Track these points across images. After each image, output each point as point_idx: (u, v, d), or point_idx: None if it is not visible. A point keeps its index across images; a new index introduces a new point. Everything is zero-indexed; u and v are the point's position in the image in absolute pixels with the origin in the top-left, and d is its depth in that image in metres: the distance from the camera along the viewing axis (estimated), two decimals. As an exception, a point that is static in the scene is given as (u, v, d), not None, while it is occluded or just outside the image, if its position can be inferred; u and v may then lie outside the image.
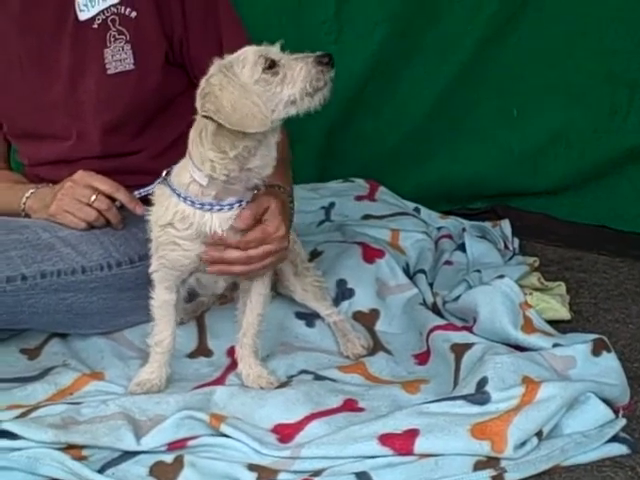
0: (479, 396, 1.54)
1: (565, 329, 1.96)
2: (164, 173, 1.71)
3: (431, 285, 2.17)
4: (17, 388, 1.77)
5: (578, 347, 1.70)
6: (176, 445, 1.53)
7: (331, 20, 2.75)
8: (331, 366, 1.85)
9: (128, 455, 1.52)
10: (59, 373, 1.82)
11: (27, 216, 1.97)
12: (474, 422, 1.48)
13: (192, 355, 1.93)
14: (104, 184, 1.88)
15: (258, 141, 1.57)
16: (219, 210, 1.63)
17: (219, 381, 1.80)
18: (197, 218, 1.63)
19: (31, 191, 1.97)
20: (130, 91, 1.96)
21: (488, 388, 1.55)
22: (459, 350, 1.75)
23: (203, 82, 1.55)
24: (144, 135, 2.02)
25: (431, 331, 1.88)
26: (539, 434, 1.49)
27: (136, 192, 1.87)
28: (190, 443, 1.54)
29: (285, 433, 1.57)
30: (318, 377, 1.79)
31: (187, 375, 1.84)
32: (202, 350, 1.95)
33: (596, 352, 1.69)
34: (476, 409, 1.52)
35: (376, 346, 1.96)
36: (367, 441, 1.48)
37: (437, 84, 2.79)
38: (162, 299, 1.74)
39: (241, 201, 1.64)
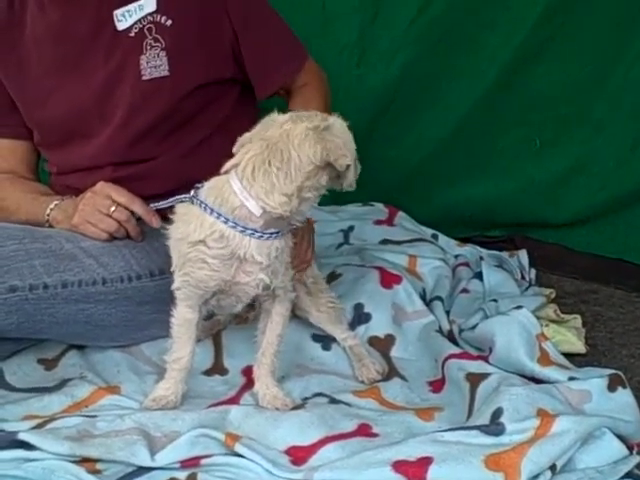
0: (494, 427, 1.54)
1: (580, 363, 1.96)
2: (192, 192, 1.72)
3: (447, 313, 2.17)
4: (34, 398, 1.79)
5: (594, 382, 1.70)
6: (190, 463, 1.54)
7: (354, 44, 2.77)
8: (346, 390, 1.85)
9: (142, 470, 1.53)
10: (76, 385, 1.83)
11: (51, 227, 1.99)
12: (488, 453, 1.48)
13: (208, 373, 1.94)
14: (121, 196, 1.91)
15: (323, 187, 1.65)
16: (259, 237, 1.65)
17: (234, 400, 1.81)
18: (236, 240, 1.65)
19: (55, 202, 2.01)
20: (164, 97, 1.99)
21: (503, 419, 1.55)
22: (474, 380, 1.75)
23: (321, 128, 1.61)
24: (170, 140, 2.04)
25: (446, 359, 1.89)
26: (553, 468, 1.48)
27: (152, 205, 1.90)
28: (204, 462, 1.54)
29: (299, 455, 1.57)
30: (333, 400, 1.80)
31: (202, 393, 1.84)
32: (218, 368, 1.96)
33: (612, 387, 1.69)
34: (490, 440, 1.52)
35: (391, 372, 1.96)
36: (380, 467, 1.48)
37: (460, 110, 2.79)
38: (183, 317, 1.75)
39: (279, 232, 1.67)
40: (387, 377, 1.93)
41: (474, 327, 1.96)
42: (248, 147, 1.66)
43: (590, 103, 2.68)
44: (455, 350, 1.91)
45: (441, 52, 2.74)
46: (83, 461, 1.53)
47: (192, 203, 1.71)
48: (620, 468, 1.53)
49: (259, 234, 1.65)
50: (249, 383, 1.85)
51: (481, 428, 1.55)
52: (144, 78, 1.98)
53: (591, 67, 2.64)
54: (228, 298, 1.75)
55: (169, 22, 1.98)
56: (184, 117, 2.04)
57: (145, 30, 1.98)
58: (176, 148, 2.05)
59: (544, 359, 1.80)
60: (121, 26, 2.00)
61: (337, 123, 1.65)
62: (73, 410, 1.75)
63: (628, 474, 1.53)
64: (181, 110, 2.02)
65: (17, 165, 2.18)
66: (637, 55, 2.57)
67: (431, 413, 1.74)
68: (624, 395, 1.68)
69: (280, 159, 1.61)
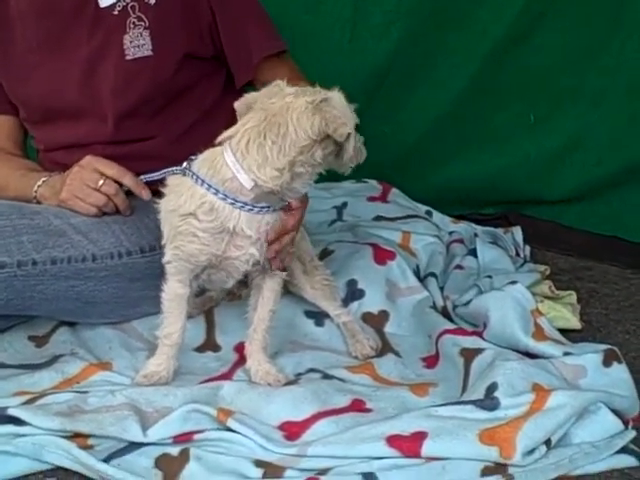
0: (488, 402, 1.53)
1: (575, 339, 1.95)
2: (185, 163, 1.70)
3: (441, 289, 2.16)
4: (24, 375, 1.77)
5: (589, 357, 1.69)
6: (182, 438, 1.53)
7: (345, 19, 2.73)
8: (339, 366, 1.84)
9: (134, 446, 1.52)
10: (66, 362, 1.81)
11: (39, 203, 1.97)
12: (483, 427, 1.47)
13: (200, 349, 1.92)
14: (110, 168, 1.88)
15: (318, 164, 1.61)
16: (249, 210, 1.63)
17: (226, 376, 1.79)
18: (226, 212, 1.62)
19: (43, 179, 1.98)
20: (147, 77, 1.96)
21: (497, 394, 1.54)
22: (469, 355, 1.74)
23: (317, 101, 1.59)
24: (158, 120, 2.02)
25: (440, 335, 1.87)
26: (548, 442, 1.48)
27: (142, 177, 1.88)
28: (196, 437, 1.53)
29: (292, 431, 1.56)
30: (326, 376, 1.78)
31: (194, 369, 1.83)
32: (210, 345, 1.94)
33: (607, 362, 1.68)
34: (485, 414, 1.51)
35: (385, 347, 1.95)
36: (374, 442, 1.47)
37: (454, 86, 2.76)
38: (174, 292, 1.72)
39: (270, 207, 1.65)
40: (381, 353, 1.92)
41: (468, 303, 1.95)
42: (247, 117, 1.64)
43: (585, 78, 2.65)
44: (449, 326, 1.90)
45: (433, 27, 2.70)
46: (74, 436, 1.52)
47: (184, 175, 1.69)
48: (615, 443, 1.53)
49: (249, 207, 1.63)
50: (241, 359, 1.83)
51: (476, 403, 1.54)
52: (127, 58, 1.96)
53: (585, 41, 2.60)
54: (219, 273, 1.73)
55: (152, 0, 1.95)
56: (169, 98, 2.01)
57: (129, 8, 1.95)
58: (164, 130, 2.02)
59: (539, 334, 1.79)
60: (104, 3, 1.96)
61: (335, 95, 1.62)
62: (64, 386, 1.73)
63: (623, 449, 1.53)
64: (166, 91, 1.99)
65: (4, 141, 2.15)
66: (632, 29, 2.52)
67: (425, 388, 1.72)
68: (619, 370, 1.67)
69: (276, 133, 1.58)
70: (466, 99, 2.76)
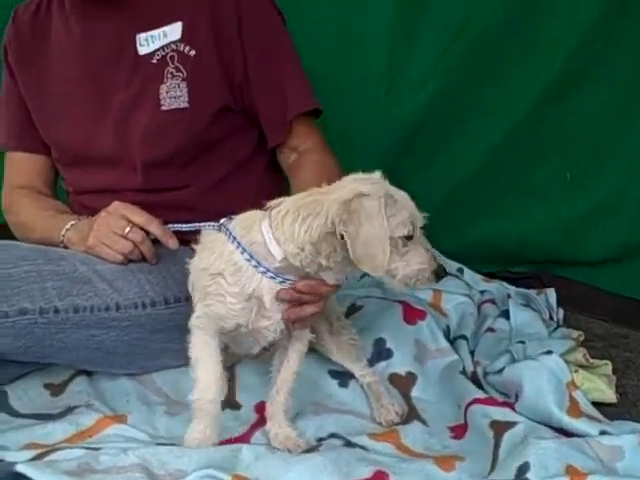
0: (519, 483, 1.45)
1: (610, 413, 1.85)
2: (222, 220, 1.66)
3: (472, 353, 2.09)
4: (37, 425, 1.72)
5: (626, 437, 1.60)
6: (194, 508, 1.45)
7: (383, 71, 2.70)
8: (363, 432, 1.76)
9: (144, 513, 1.45)
10: (81, 413, 1.76)
11: (65, 248, 1.93)
12: (514, 512, 1.39)
13: (219, 406, 1.86)
14: (138, 216, 1.85)
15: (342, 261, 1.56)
16: (271, 277, 1.59)
17: (245, 437, 1.73)
18: (248, 274, 1.58)
19: (71, 223, 1.95)
20: (182, 128, 1.94)
21: (530, 475, 1.46)
22: (499, 428, 1.66)
23: (351, 196, 1.51)
24: (189, 171, 1.99)
25: (470, 403, 1.80)
26: (583, 532, 1.39)
27: (170, 226, 1.85)
28: (209, 506, 1.46)
29: (311, 503, 1.49)
30: (348, 443, 1.71)
31: (212, 427, 1.76)
32: (230, 402, 1.87)
33: (646, 444, 1.59)
34: (516, 497, 1.43)
35: (411, 413, 1.87)
36: (398, 523, 1.38)
37: (490, 142, 2.70)
38: (204, 341, 1.64)
39: (292, 280, 1.60)
40: (406, 419, 1.84)
41: (501, 371, 1.87)
42: (299, 194, 1.61)
43: (625, 139, 2.57)
44: (480, 394, 1.82)
45: (472, 83, 2.65)
46: (82, 498, 1.45)
47: (219, 231, 1.65)
48: (653, 534, 1.43)
49: (271, 274, 1.58)
50: (262, 420, 1.77)
51: (506, 484, 1.45)
52: (163, 108, 1.93)
53: (627, 102, 2.54)
54: (245, 338, 1.67)
55: (192, 52, 1.94)
56: (202, 149, 1.98)
57: (168, 58, 1.94)
58: (195, 181, 1.99)
59: (574, 409, 1.71)
60: (143, 51, 1.95)
61: (375, 195, 1.53)
62: (77, 440, 1.68)
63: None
64: (199, 142, 1.97)
65: (35, 180, 2.13)
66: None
67: (452, 462, 1.64)
68: (659, 452, 1.58)
69: (309, 212, 1.54)
70: (502, 155, 2.69)
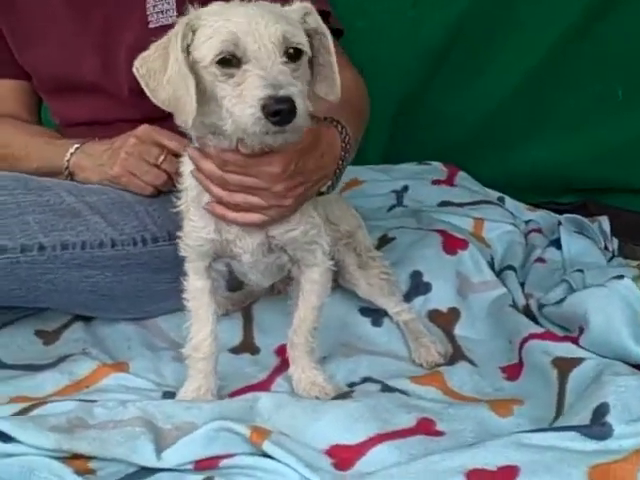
0: (598, 428, 1.19)
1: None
2: None
3: (522, 285, 1.83)
4: (25, 376, 1.52)
5: None
6: (205, 464, 1.23)
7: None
8: (401, 375, 1.54)
9: (145, 472, 1.23)
10: (75, 361, 1.56)
11: (70, 175, 1.71)
12: (592, 463, 1.13)
13: (235, 350, 1.65)
14: (173, 141, 1.61)
15: None
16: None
17: (264, 385, 1.51)
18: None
19: (76, 146, 1.72)
20: None
21: (609, 418, 1.20)
22: (564, 366, 1.42)
23: None
24: None
25: (525, 340, 1.56)
26: (677, 482, 1.14)
27: None
28: (223, 462, 1.23)
29: (343, 457, 1.25)
30: (386, 388, 1.49)
31: (227, 374, 1.53)
32: (247, 346, 1.66)
33: None
34: (594, 445, 1.18)
35: (455, 354, 1.65)
36: (451, 477, 1.14)
37: (529, 60, 2.45)
38: (193, 286, 1.45)
39: None
40: (451, 360, 1.62)
41: (560, 302, 1.61)
42: None
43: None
44: (536, 329, 1.57)
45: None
46: (72, 458, 1.24)
47: None
48: None
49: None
50: (284, 365, 1.55)
51: (581, 429, 1.20)
52: (151, 26, 1.70)
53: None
54: (238, 263, 1.44)
55: None
56: None
57: None
58: None
59: (652, 342, 1.44)
60: None
61: None
62: (71, 391, 1.49)
63: None
64: None
65: (18, 107, 1.91)
66: None
67: (509, 406, 1.40)
68: None
69: None
70: (542, 75, 2.46)
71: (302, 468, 1.20)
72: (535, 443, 1.19)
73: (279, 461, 1.21)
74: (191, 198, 1.39)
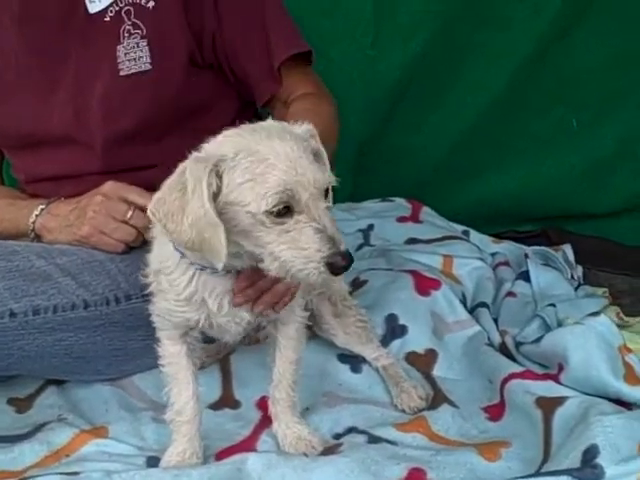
0: (589, 470, 1.20)
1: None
2: None
3: (495, 321, 1.84)
4: (2, 449, 1.47)
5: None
6: (200, 533, 1.20)
7: (368, 20, 2.44)
8: (385, 422, 1.54)
9: None
10: (52, 430, 1.52)
11: (37, 237, 1.68)
12: (588, 506, 1.14)
13: (215, 406, 1.62)
14: (139, 197, 1.59)
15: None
16: (212, 273, 1.34)
17: (249, 443, 1.48)
18: (183, 274, 1.35)
19: (41, 207, 1.69)
20: (146, 96, 1.68)
21: (600, 460, 1.21)
22: (548, 405, 1.43)
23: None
24: (162, 146, 1.72)
25: (506, 380, 1.57)
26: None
27: None
28: (218, 530, 1.20)
29: (338, 515, 1.24)
30: (372, 438, 1.47)
31: (209, 432, 1.51)
32: (227, 400, 1.64)
33: None
34: (586, 489, 1.18)
35: (437, 396, 1.64)
36: (450, 531, 1.14)
37: (487, 92, 2.49)
38: (168, 352, 1.42)
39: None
40: (433, 404, 1.61)
41: (538, 340, 1.62)
42: None
43: (634, 77, 2.40)
44: (516, 368, 1.59)
45: (465, 29, 2.43)
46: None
47: None
48: None
49: (211, 269, 1.31)
50: (266, 418, 1.53)
51: (572, 473, 1.21)
52: (122, 74, 1.68)
53: (633, 36, 2.35)
54: (214, 332, 1.42)
55: (151, 4, 1.68)
56: (177, 118, 1.72)
57: (123, 13, 1.68)
58: (168, 158, 1.71)
59: (631, 376, 1.47)
60: (93, 8, 1.69)
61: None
62: (51, 461, 1.45)
63: None
64: (171, 110, 1.71)
65: None
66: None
67: (496, 450, 1.40)
68: None
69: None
70: (501, 106, 2.50)
71: (297, 530, 1.18)
72: (529, 490, 1.20)
73: (274, 524, 1.20)
74: (172, 292, 1.35)
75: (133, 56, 1.68)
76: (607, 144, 2.47)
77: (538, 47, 2.41)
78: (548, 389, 1.48)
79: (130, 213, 1.60)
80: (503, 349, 1.72)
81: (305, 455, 1.40)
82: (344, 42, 2.44)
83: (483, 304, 1.90)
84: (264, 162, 1.19)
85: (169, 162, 1.65)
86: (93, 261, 1.61)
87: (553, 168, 2.52)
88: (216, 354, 1.75)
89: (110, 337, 1.62)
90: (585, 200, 2.52)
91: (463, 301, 1.91)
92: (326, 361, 1.71)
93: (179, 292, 1.34)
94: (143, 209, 1.55)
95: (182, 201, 1.20)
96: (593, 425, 1.28)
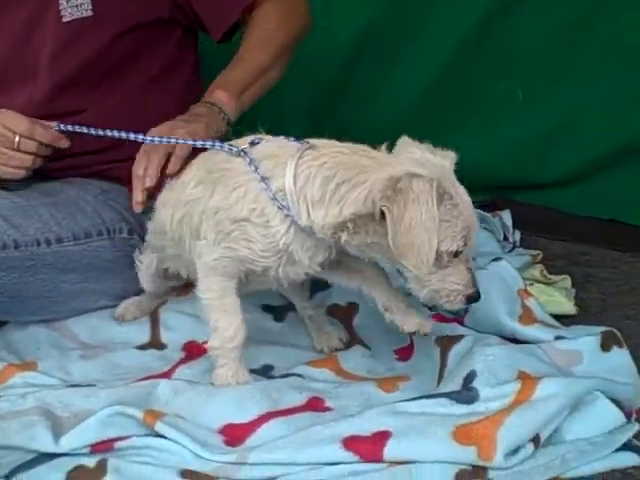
0: (465, 393, 1.30)
1: (570, 325, 1.71)
2: (244, 144, 1.43)
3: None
4: None
5: (585, 340, 1.47)
6: (101, 447, 1.29)
7: (318, -6, 2.52)
8: (299, 362, 1.61)
9: (44, 457, 1.29)
10: None
11: None
12: (458, 424, 1.24)
13: (142, 347, 1.71)
14: (19, 124, 1.64)
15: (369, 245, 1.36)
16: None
17: (166, 375, 1.56)
18: (278, 226, 1.39)
19: None
20: (88, 41, 1.75)
21: (476, 384, 1.31)
22: (445, 343, 1.51)
23: (401, 174, 1.28)
24: (97, 92, 1.80)
25: (417, 324, 1.64)
26: (535, 440, 1.24)
27: (54, 124, 1.67)
28: (118, 444, 1.30)
29: (234, 435, 1.33)
30: (283, 375, 1.55)
31: (133, 368, 1.60)
32: (154, 343, 1.72)
33: (606, 346, 1.46)
34: (461, 409, 1.28)
35: (353, 340, 1.72)
36: (328, 444, 1.24)
37: (435, 64, 2.55)
38: (220, 286, 1.46)
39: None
40: (348, 346, 1.69)
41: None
42: (345, 145, 1.39)
43: (579, 51, 2.44)
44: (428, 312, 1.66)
45: (413, 2, 2.49)
46: (-24, 449, 1.28)
47: (238, 156, 1.42)
48: (616, 438, 1.30)
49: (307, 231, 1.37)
50: (188, 358, 1.62)
51: (450, 395, 1.31)
52: (64, 20, 1.75)
53: (579, 11, 2.39)
54: (266, 279, 1.48)
55: None
56: (114, 64, 1.80)
57: None
58: (109, 100, 1.80)
59: (527, 317, 1.57)
60: None
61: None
62: None
63: (625, 445, 1.29)
64: (110, 56, 1.78)
65: None
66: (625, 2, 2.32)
67: (394, 383, 1.49)
68: (620, 355, 1.45)
69: (350, 176, 1.31)
70: (448, 78, 2.55)
71: (193, 445, 1.27)
72: (408, 410, 1.29)
73: (171, 440, 1.28)
74: (264, 244, 1.39)
75: (75, 3, 1.74)
76: (552, 116, 2.50)
77: (482, 21, 2.45)
78: (450, 329, 1.57)
79: (17, 139, 1.64)
80: (421, 297, 1.80)
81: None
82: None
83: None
84: (457, 207, 1.30)
85: (97, 108, 1.75)
86: (26, 205, 1.68)
87: (499, 139, 2.56)
88: (149, 309, 1.81)
89: (42, 278, 1.68)
90: (531, 171, 2.57)
91: (392, 256, 1.99)
92: (251, 311, 1.76)
93: (274, 242, 1.38)
94: (28, 137, 1.62)
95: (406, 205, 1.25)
96: (476, 354, 1.38)
